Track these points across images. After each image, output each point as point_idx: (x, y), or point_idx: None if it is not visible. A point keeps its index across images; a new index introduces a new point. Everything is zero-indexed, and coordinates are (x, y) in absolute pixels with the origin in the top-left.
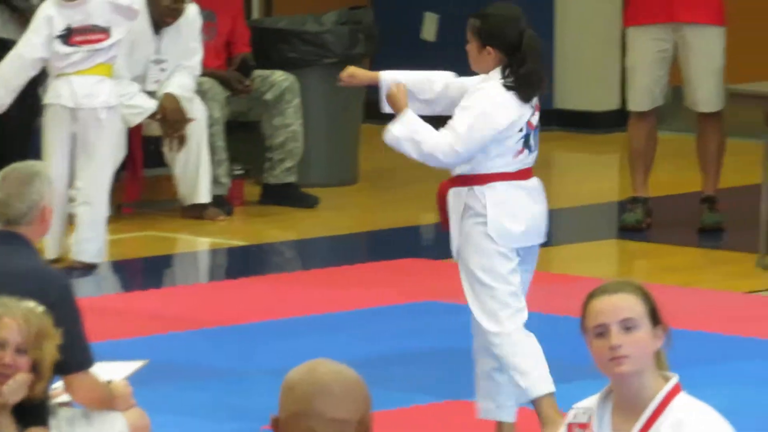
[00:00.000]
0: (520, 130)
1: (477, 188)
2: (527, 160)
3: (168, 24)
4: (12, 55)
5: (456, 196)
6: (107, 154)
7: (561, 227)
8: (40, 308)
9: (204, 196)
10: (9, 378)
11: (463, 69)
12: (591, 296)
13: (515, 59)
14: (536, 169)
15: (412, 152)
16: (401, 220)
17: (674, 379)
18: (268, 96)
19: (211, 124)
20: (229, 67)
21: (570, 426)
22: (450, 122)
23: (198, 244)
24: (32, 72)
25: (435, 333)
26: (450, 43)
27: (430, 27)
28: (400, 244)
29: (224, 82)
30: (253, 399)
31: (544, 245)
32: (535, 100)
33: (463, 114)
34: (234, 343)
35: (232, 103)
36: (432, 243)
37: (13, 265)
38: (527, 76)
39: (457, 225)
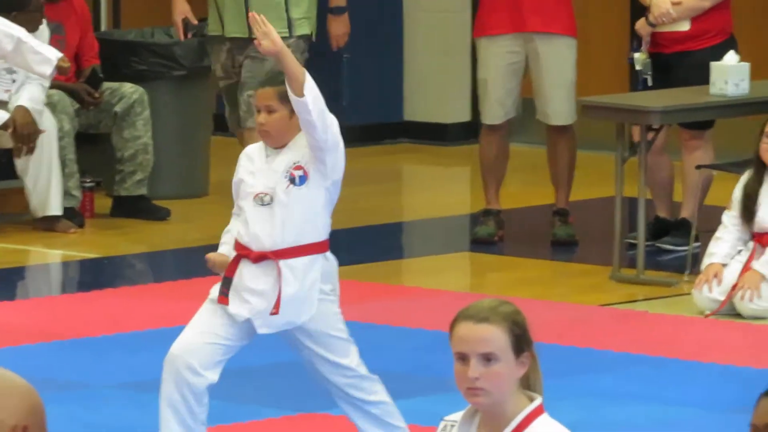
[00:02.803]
0: None
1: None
2: None
3: None
4: None
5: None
6: None
7: (413, 240)
8: None
9: (56, 208)
10: None
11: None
12: (458, 317)
13: None
14: (387, 180)
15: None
16: None
17: (537, 401)
18: (118, 108)
19: (62, 136)
20: (78, 80)
21: None
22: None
23: (50, 256)
24: None
25: (284, 345)
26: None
27: None
28: None
29: (73, 95)
30: (103, 412)
31: (396, 258)
32: None
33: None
34: (85, 356)
35: (82, 115)
36: None
37: None
38: None
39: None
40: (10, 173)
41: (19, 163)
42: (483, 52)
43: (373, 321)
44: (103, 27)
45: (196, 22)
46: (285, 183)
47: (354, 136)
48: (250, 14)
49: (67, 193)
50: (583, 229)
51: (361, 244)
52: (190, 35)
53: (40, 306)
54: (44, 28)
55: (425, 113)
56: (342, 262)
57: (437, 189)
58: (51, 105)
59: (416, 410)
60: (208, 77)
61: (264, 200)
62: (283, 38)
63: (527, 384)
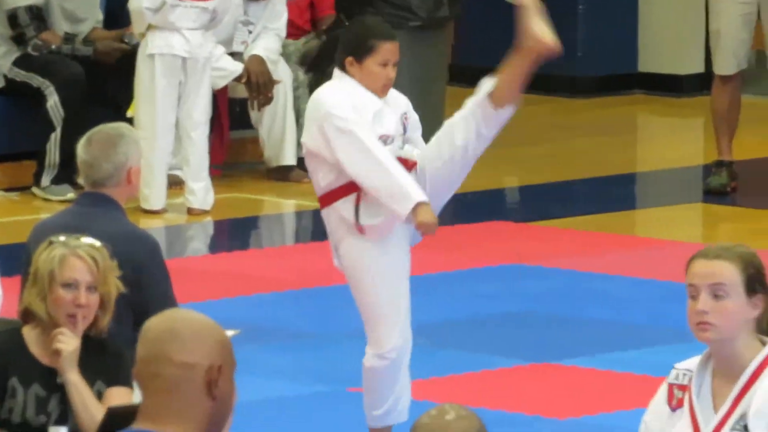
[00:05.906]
0: None
1: None
2: None
3: None
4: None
5: None
6: (209, 104)
7: (645, 191)
8: (98, 243)
9: (290, 158)
10: (81, 318)
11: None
12: (693, 257)
13: None
14: (621, 131)
15: None
16: (485, 182)
17: None
18: None
19: (297, 86)
20: (314, 29)
21: (670, 387)
22: None
23: (283, 206)
24: (146, 21)
25: (517, 296)
26: None
27: None
28: (484, 207)
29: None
30: (336, 361)
31: (629, 208)
32: None
33: None
34: (318, 306)
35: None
36: (516, 206)
37: (100, 226)
38: None
39: None
40: (245, 123)
41: (253, 113)
42: (716, 3)
43: (606, 271)
44: None
45: None
46: None
47: (588, 86)
48: None
49: (301, 144)
50: None
51: (594, 194)
52: None
53: (273, 255)
54: None
55: (660, 64)
56: (576, 212)
57: (671, 140)
58: (286, 55)
59: (650, 360)
60: (444, 27)
61: None
62: None
63: (762, 329)
